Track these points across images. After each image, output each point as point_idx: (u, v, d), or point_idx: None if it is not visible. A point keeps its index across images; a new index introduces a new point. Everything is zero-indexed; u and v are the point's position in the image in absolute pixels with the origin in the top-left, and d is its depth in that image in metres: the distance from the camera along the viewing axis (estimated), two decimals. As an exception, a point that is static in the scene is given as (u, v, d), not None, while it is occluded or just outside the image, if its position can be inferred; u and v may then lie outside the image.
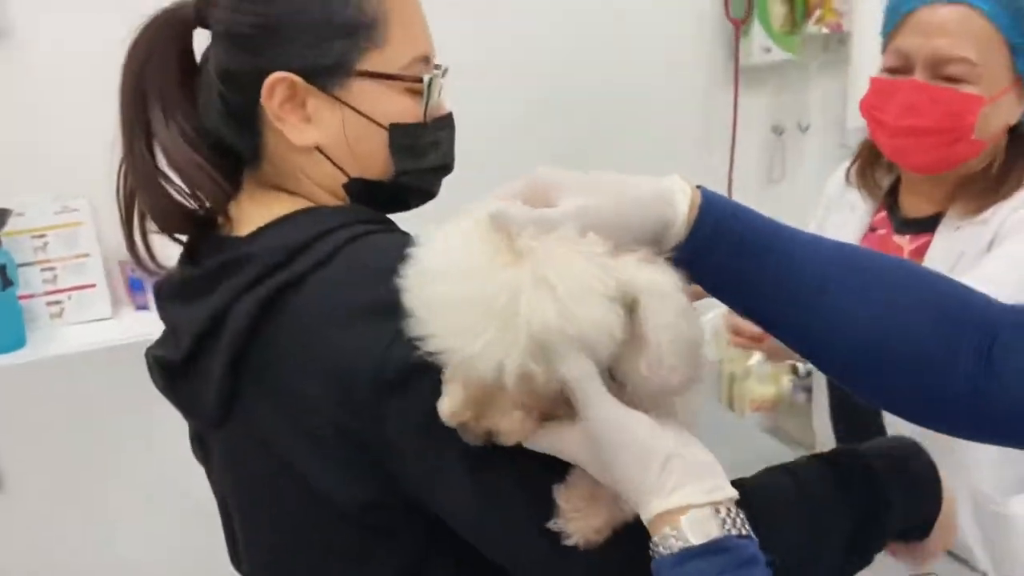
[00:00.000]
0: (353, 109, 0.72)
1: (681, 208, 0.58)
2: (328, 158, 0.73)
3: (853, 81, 2.13)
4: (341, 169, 0.74)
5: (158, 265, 0.78)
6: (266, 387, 0.68)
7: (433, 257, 0.53)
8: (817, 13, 2.10)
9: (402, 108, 0.73)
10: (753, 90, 2.21)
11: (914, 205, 1.24)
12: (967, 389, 0.58)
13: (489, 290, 0.50)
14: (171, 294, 0.76)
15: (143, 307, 1.75)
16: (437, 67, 0.76)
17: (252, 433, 0.71)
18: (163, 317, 0.78)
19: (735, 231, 0.58)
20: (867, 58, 1.24)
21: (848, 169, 1.34)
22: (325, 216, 0.71)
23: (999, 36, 1.08)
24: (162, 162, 0.73)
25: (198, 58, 0.75)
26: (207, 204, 0.74)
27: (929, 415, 0.62)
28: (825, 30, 2.12)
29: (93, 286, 1.72)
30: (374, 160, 0.74)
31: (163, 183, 0.73)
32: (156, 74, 0.72)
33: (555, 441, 0.57)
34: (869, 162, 1.30)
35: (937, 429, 0.62)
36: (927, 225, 1.20)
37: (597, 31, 2.01)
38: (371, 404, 0.62)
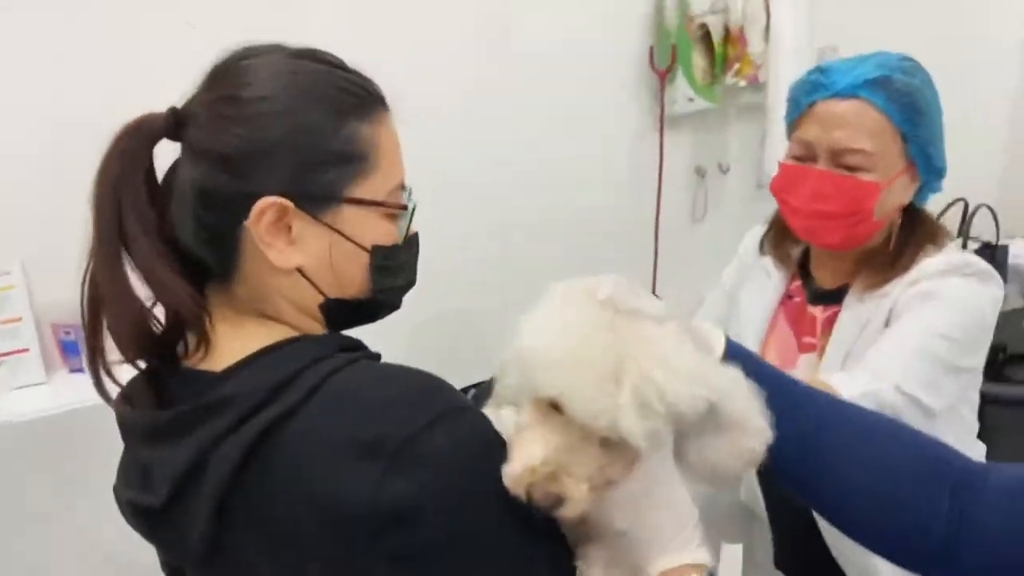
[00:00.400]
0: (340, 234, 0.73)
1: (718, 349, 0.72)
2: (308, 280, 0.73)
3: (769, 127, 2.26)
4: (319, 290, 0.74)
5: (122, 398, 0.75)
6: (253, 524, 0.67)
7: (551, 317, 0.63)
8: (735, 67, 2.23)
9: (383, 231, 0.76)
10: (677, 134, 2.31)
11: (824, 277, 1.36)
12: (943, 540, 0.64)
13: (604, 352, 0.59)
14: (142, 434, 0.72)
15: (77, 370, 1.70)
16: (407, 190, 0.79)
17: (239, 568, 0.70)
18: (131, 455, 0.75)
19: (749, 372, 0.66)
20: (781, 105, 1.37)
21: (762, 239, 1.46)
22: (306, 348, 0.70)
23: (891, 126, 1.20)
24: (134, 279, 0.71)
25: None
26: (185, 327, 0.71)
27: (908, 559, 0.68)
28: (742, 83, 2.25)
29: (26, 351, 1.66)
30: (352, 280, 0.75)
31: (134, 300, 0.70)
32: (130, 187, 0.70)
33: (599, 503, 0.64)
34: (781, 236, 1.42)
35: (915, 571, 0.70)
36: (836, 296, 1.33)
37: (531, 80, 2.07)
38: (365, 541, 0.61)
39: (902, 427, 0.72)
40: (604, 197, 2.27)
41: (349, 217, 0.73)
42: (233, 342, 0.71)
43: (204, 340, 0.71)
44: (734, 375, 0.64)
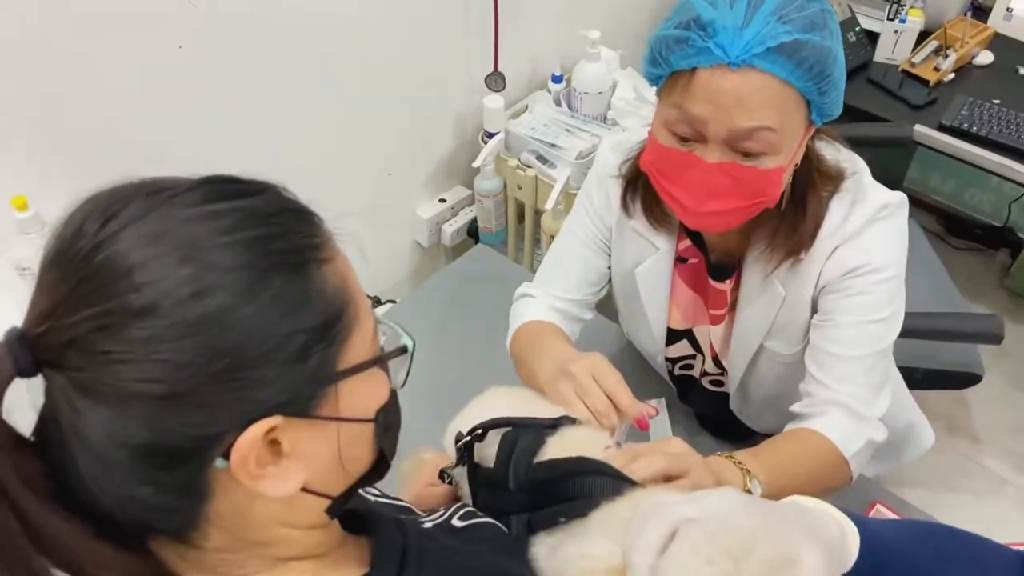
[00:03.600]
0: (340, 419, 0.55)
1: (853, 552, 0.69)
2: (314, 493, 0.56)
3: None
4: (325, 496, 0.58)
5: None
6: None
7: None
8: None
9: (382, 386, 0.60)
10: None
11: (717, 249, 1.18)
12: None
13: None
14: None
15: None
16: (380, 321, 0.61)
17: None
18: None
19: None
20: None
21: (624, 199, 1.19)
22: None
23: (796, 96, 0.95)
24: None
25: None
26: None
27: None
28: None
29: None
30: (361, 461, 0.60)
31: None
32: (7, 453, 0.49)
33: None
34: (652, 199, 1.16)
35: None
36: (735, 266, 1.18)
37: None
38: None
39: (953, 529, 0.77)
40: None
41: (348, 393, 0.56)
42: None
43: None
44: None
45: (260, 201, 0.53)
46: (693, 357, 1.36)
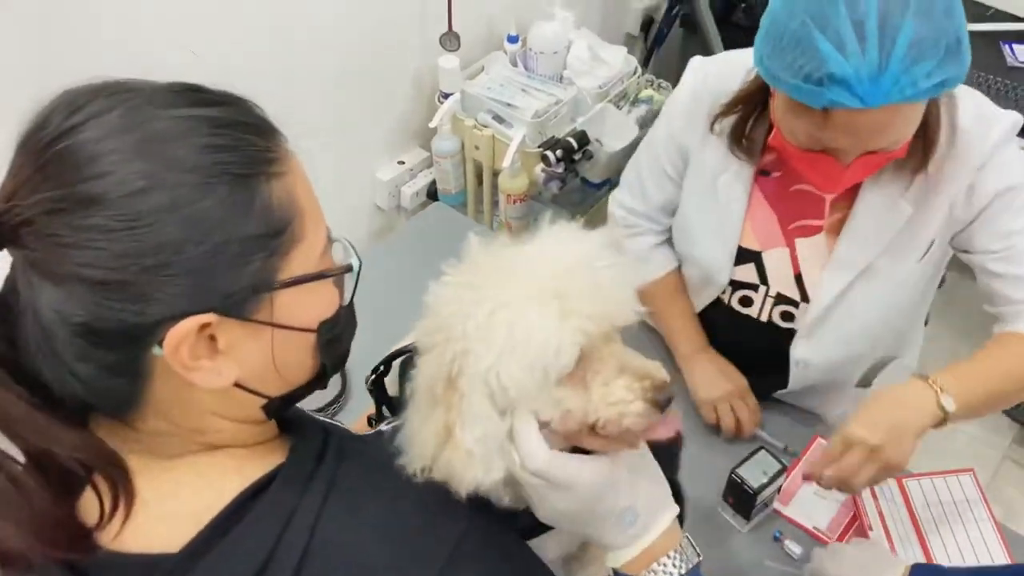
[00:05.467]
0: (280, 326, 0.59)
1: None
2: (248, 390, 0.60)
3: None
4: (260, 394, 0.62)
5: None
6: None
7: None
8: None
9: (328, 300, 0.63)
10: None
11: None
12: None
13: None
14: None
15: None
16: (334, 238, 0.65)
17: None
18: None
19: None
20: None
21: (714, 119, 1.20)
22: (274, 502, 0.59)
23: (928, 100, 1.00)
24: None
25: None
26: (89, 487, 0.57)
27: None
28: None
29: None
30: (302, 369, 0.64)
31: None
32: None
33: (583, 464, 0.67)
34: (744, 125, 1.18)
35: None
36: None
37: None
38: None
39: None
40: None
41: (287, 302, 0.59)
42: (166, 502, 0.59)
43: (127, 501, 0.58)
44: None
45: (221, 111, 0.56)
46: (755, 289, 1.32)
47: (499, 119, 2.08)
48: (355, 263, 0.65)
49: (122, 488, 0.58)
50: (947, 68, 0.93)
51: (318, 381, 0.67)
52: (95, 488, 0.58)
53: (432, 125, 2.11)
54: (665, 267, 1.43)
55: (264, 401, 0.63)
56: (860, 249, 1.20)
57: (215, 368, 0.57)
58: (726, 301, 1.37)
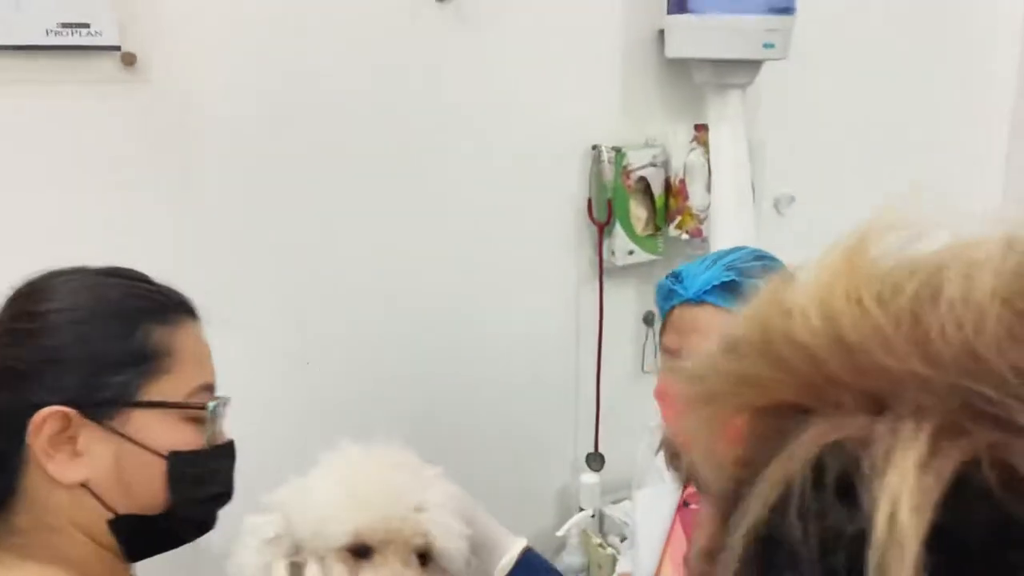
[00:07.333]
0: (130, 440, 0.68)
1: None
2: (94, 495, 0.68)
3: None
4: (106, 506, 0.68)
5: None
6: None
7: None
8: (677, 219, 2.18)
9: (184, 436, 0.72)
10: (620, 283, 2.22)
11: None
12: None
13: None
14: None
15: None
16: (218, 397, 0.76)
17: None
18: None
19: None
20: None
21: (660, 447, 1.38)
22: None
23: None
24: None
25: None
26: None
27: None
28: (685, 236, 2.19)
29: None
30: (149, 493, 0.71)
31: None
32: None
33: None
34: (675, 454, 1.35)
35: None
36: None
37: (463, 228, 2.04)
38: None
39: None
40: (543, 352, 2.16)
41: (142, 422, 0.69)
42: None
43: None
44: None
45: (143, 284, 0.74)
46: None
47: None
48: (210, 405, 0.73)
49: None
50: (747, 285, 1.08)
51: (171, 525, 0.71)
52: None
53: (559, 534, 2.15)
54: None
55: (111, 516, 0.67)
56: None
57: (68, 461, 0.65)
58: None
